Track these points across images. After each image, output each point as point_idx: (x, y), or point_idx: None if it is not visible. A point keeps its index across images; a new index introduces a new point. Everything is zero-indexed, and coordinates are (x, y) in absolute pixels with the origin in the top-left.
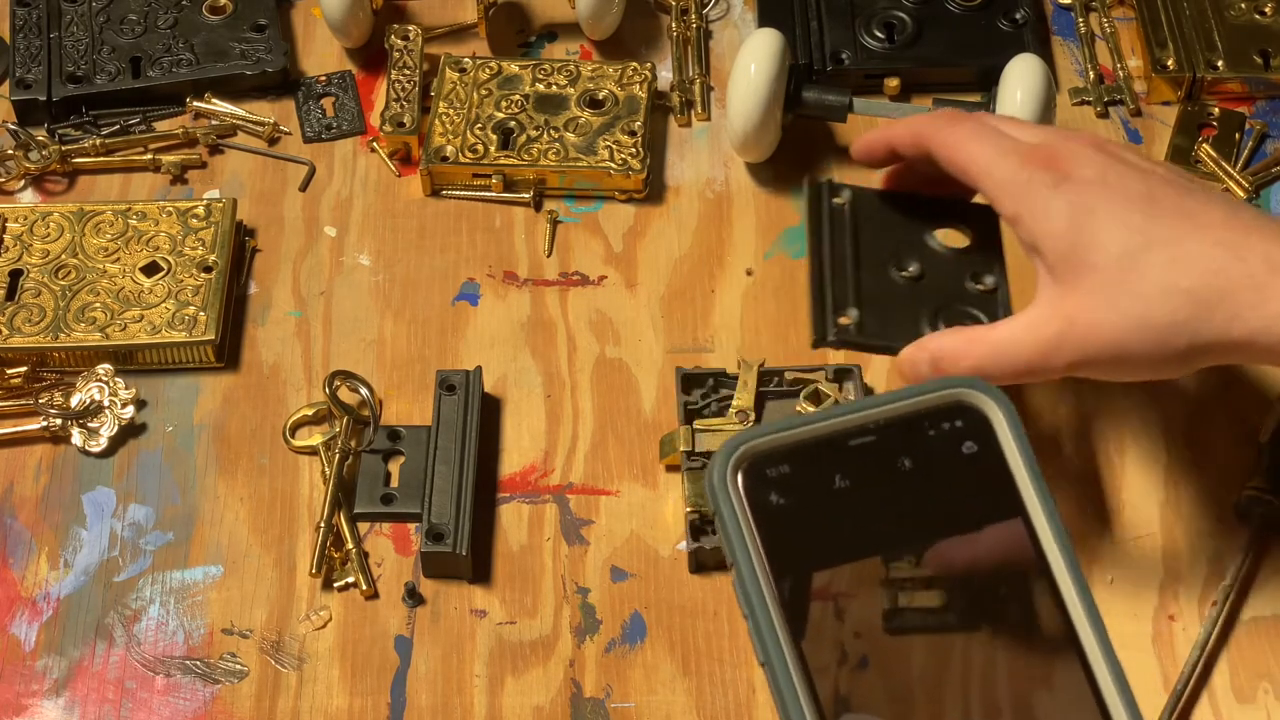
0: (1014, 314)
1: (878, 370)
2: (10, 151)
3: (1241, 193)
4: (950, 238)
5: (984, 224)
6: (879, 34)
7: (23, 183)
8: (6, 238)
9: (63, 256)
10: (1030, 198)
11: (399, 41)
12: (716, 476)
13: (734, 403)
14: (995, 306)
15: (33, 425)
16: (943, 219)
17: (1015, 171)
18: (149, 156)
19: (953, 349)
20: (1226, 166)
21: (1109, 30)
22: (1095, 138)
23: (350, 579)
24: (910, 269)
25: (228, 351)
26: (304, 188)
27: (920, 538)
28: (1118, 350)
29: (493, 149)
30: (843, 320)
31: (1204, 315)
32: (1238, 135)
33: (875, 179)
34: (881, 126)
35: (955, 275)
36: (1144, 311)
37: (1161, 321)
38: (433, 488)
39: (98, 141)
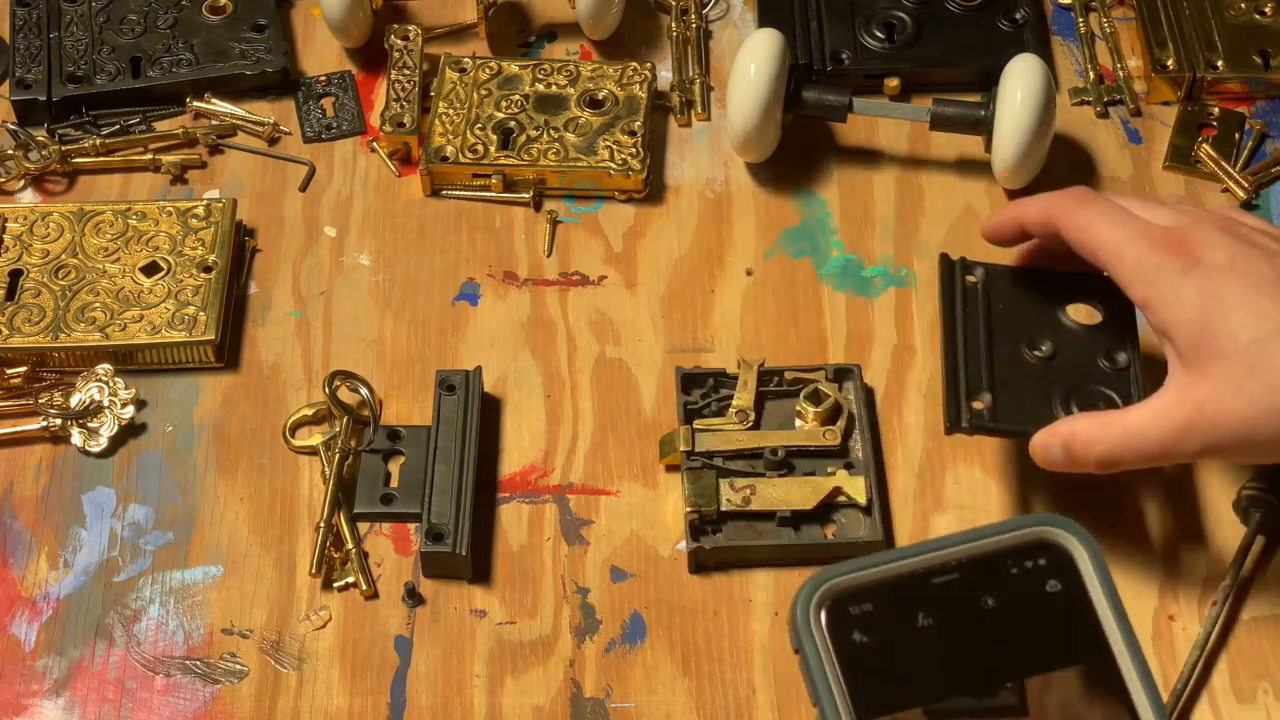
0: (1146, 397)
1: (878, 370)
2: (10, 151)
3: (1241, 193)
4: (1083, 314)
5: (1117, 300)
6: (879, 34)
7: (23, 183)
8: (6, 238)
9: (63, 256)
10: (1160, 283)
11: (399, 41)
12: (800, 614)
13: (734, 403)
14: (1128, 385)
15: (33, 425)
16: (1075, 295)
17: (1145, 256)
18: (149, 156)
19: (1085, 434)
20: (1226, 166)
21: (1109, 30)
22: (1224, 218)
23: (350, 579)
24: (1043, 348)
25: (228, 351)
26: (304, 188)
27: (1004, 676)
28: (1248, 437)
29: (493, 149)
30: (976, 405)
31: None
32: (1237, 135)
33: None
34: (1010, 206)
35: (1088, 353)
36: (1273, 398)
37: None
38: (433, 488)
39: (98, 141)
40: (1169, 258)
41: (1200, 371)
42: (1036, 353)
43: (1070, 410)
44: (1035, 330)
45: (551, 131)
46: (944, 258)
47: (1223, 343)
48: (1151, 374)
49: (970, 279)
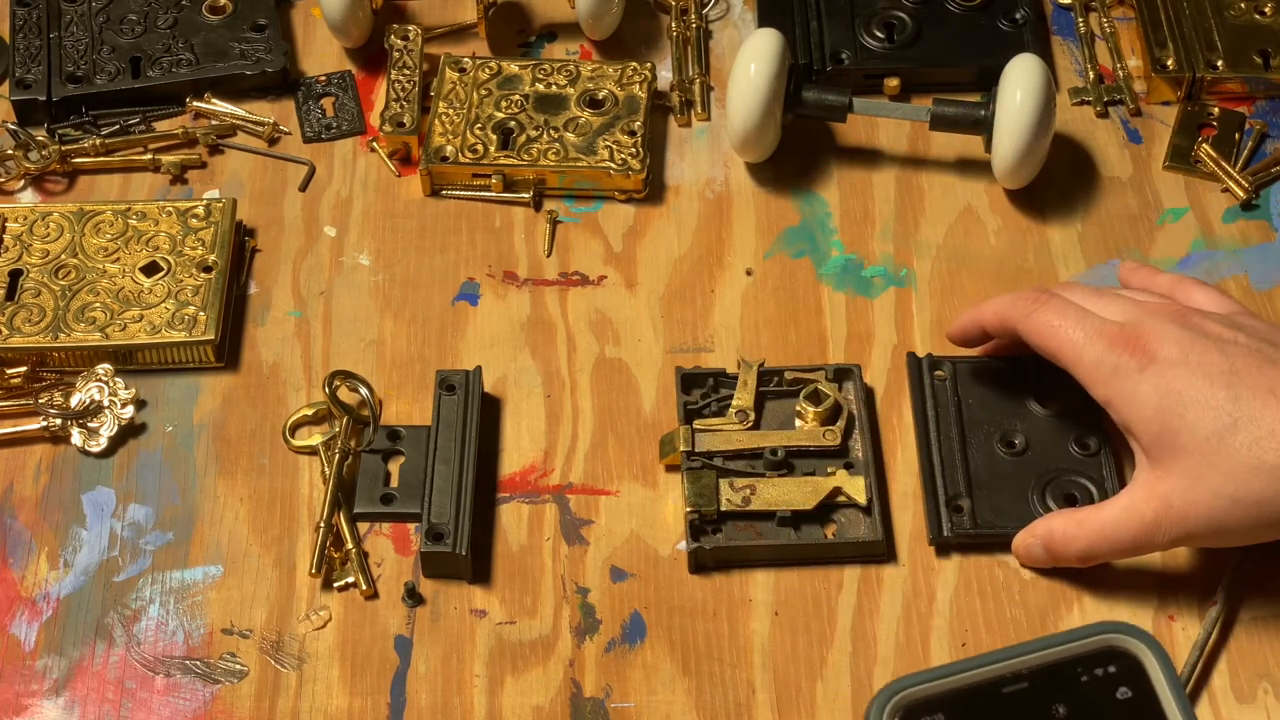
0: (1119, 483)
1: (878, 370)
2: (10, 151)
3: (1241, 193)
4: (1050, 400)
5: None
6: (879, 34)
7: (23, 183)
8: (6, 238)
9: (63, 256)
10: (1119, 384)
11: (399, 41)
12: None
13: (734, 403)
14: (1100, 470)
15: (33, 425)
16: (1040, 380)
17: (1104, 356)
18: (149, 156)
19: (1062, 532)
20: (1226, 166)
21: (1109, 30)
22: (1176, 309)
23: (350, 579)
24: (1016, 442)
25: (227, 351)
26: (304, 188)
27: None
28: (1215, 527)
29: (492, 149)
30: (957, 511)
31: None
32: (1238, 135)
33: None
34: (970, 310)
35: (1059, 442)
36: (1235, 490)
37: (1252, 498)
38: (432, 488)
39: (98, 141)
40: (1125, 357)
41: (1165, 467)
42: (1010, 448)
43: (1047, 504)
44: (1006, 423)
45: (551, 131)
46: (910, 357)
47: (1181, 438)
48: (1125, 452)
49: (939, 374)
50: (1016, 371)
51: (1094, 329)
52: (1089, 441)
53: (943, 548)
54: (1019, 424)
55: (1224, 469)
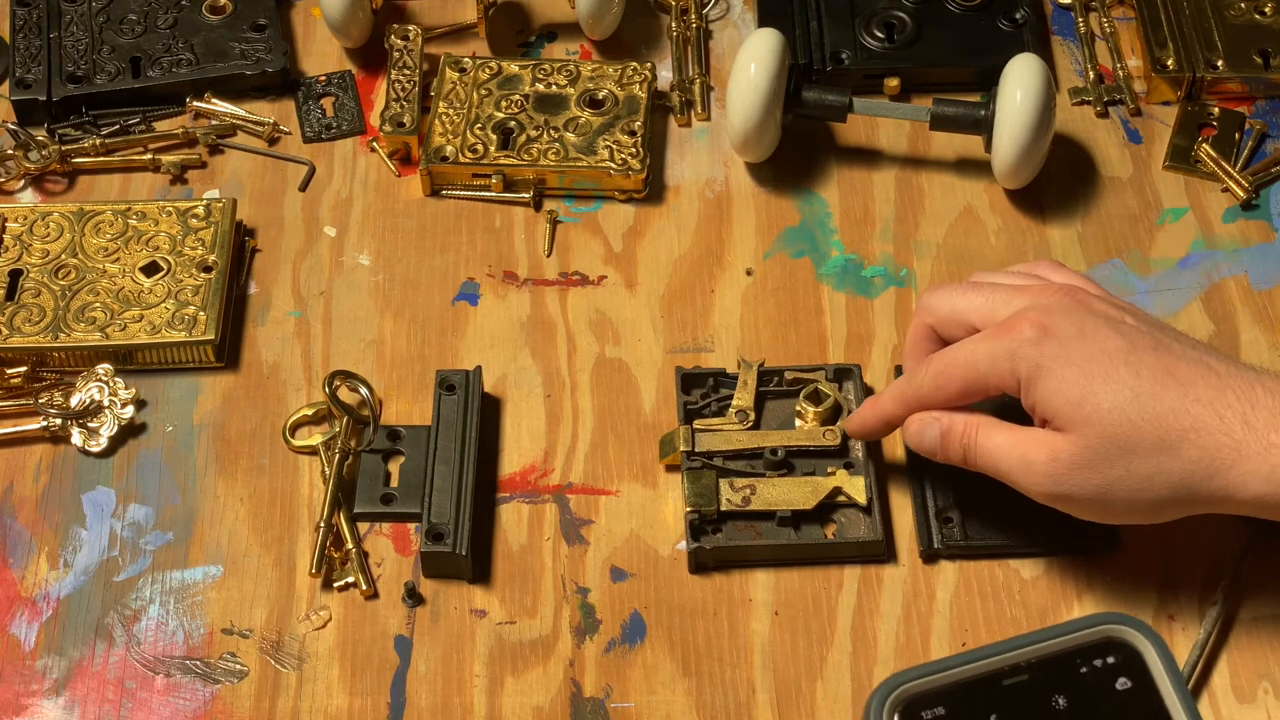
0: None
1: (878, 370)
2: (10, 151)
3: (1241, 193)
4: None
5: None
6: (879, 34)
7: (23, 183)
8: (6, 238)
9: (63, 256)
10: (1022, 359)
11: (399, 41)
12: (874, 718)
13: (734, 403)
14: None
15: (33, 425)
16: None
17: (998, 346)
18: (149, 156)
19: (961, 435)
20: (1226, 166)
21: (1109, 30)
22: (1058, 288)
23: (350, 579)
24: None
25: (227, 351)
26: (304, 188)
27: None
28: (1099, 494)
29: (493, 149)
30: (948, 522)
31: (1185, 470)
32: (1238, 135)
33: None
34: (868, 403)
35: None
36: (1127, 464)
37: (1143, 473)
38: (433, 488)
39: (98, 141)
40: (1019, 332)
41: (1062, 428)
42: None
43: (1036, 512)
44: None
45: (551, 131)
46: (898, 370)
47: (1084, 408)
48: None
49: None
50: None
51: (981, 338)
52: None
53: (932, 559)
54: None
55: (1119, 441)
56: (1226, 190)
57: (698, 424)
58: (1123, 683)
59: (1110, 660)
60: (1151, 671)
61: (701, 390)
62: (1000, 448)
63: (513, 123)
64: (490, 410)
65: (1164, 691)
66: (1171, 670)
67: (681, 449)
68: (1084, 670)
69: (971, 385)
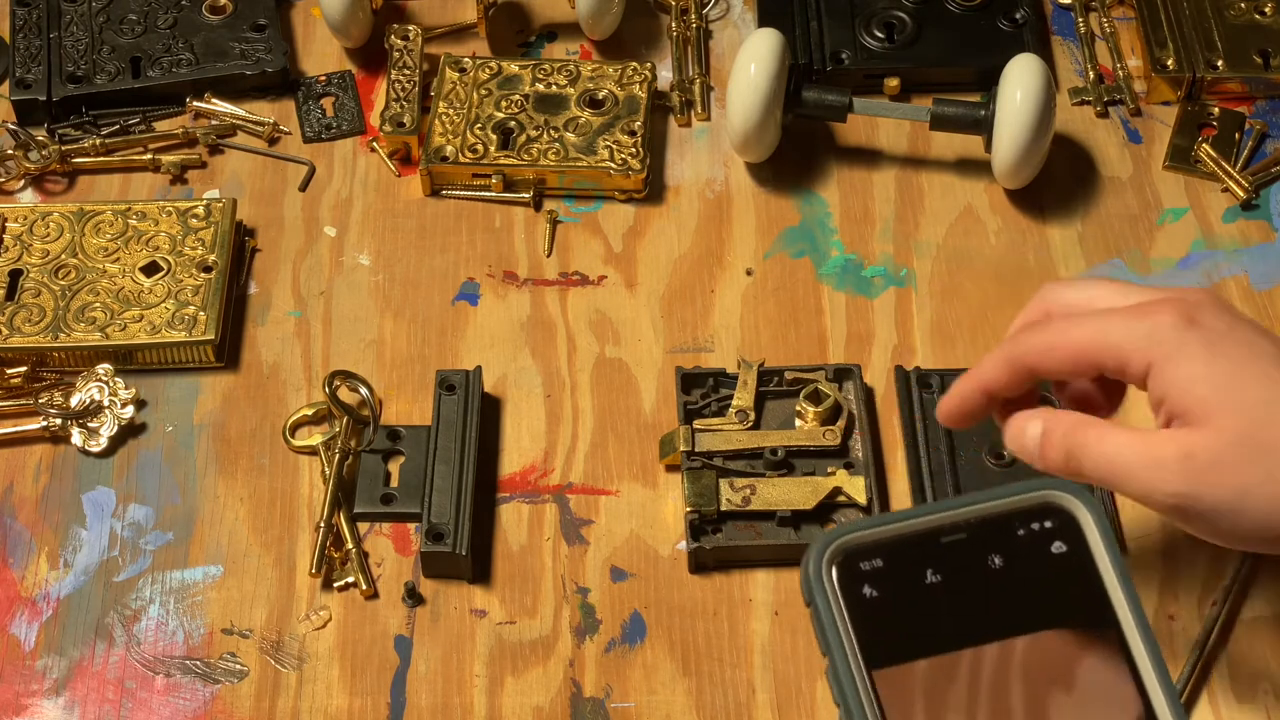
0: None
1: (878, 370)
2: (10, 151)
3: (1241, 193)
4: None
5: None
6: (879, 34)
7: (23, 183)
8: (6, 238)
9: (63, 256)
10: (1161, 342)
11: (399, 41)
12: (813, 568)
13: (734, 403)
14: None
15: (33, 425)
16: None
17: (1136, 324)
18: (149, 156)
19: (1063, 436)
20: (1226, 166)
21: (1109, 30)
22: (1210, 290)
23: (350, 579)
24: (1005, 453)
25: (227, 351)
26: (304, 188)
27: (1008, 634)
28: (1234, 498)
29: (493, 149)
30: None
31: None
32: (1238, 135)
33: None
34: (965, 378)
35: None
36: (1270, 466)
37: None
38: (433, 488)
39: (98, 141)
40: (1167, 316)
41: (1197, 426)
42: (999, 459)
43: None
44: (995, 434)
45: (551, 131)
46: (898, 370)
47: (1232, 399)
48: None
49: (927, 391)
50: None
51: (1117, 311)
52: None
53: None
54: None
55: (1267, 440)
56: (1226, 190)
57: (698, 424)
58: (1058, 546)
59: (1048, 525)
60: (1087, 537)
61: (701, 390)
62: (1119, 446)
63: (513, 123)
64: (490, 410)
65: (1097, 557)
66: (1106, 536)
67: (681, 449)
68: (1021, 532)
69: (1086, 355)
